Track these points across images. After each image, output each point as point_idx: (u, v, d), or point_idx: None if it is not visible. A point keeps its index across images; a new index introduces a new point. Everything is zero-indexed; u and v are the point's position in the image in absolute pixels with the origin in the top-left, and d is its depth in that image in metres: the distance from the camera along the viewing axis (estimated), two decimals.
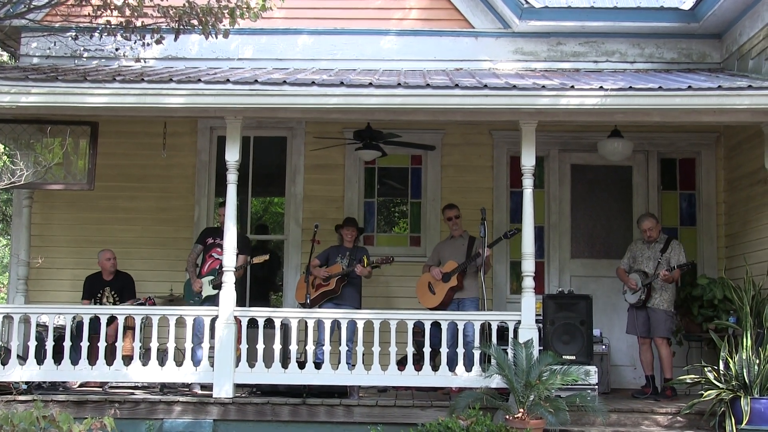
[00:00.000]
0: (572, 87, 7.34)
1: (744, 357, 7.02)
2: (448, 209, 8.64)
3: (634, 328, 8.26)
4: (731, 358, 7.08)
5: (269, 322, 7.65)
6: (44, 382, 7.76)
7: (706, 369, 7.23)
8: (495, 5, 9.34)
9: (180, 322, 7.73)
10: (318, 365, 7.59)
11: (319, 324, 7.80)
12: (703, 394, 7.05)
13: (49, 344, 7.56)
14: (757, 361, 6.97)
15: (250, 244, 8.73)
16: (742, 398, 6.81)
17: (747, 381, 6.91)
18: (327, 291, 8.31)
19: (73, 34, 8.89)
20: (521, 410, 6.78)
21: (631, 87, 7.33)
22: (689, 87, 7.31)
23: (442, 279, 8.29)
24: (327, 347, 7.62)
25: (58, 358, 7.54)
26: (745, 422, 6.74)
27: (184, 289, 8.51)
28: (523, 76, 8.54)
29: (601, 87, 7.31)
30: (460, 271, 8.22)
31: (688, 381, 7.43)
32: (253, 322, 7.65)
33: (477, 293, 8.30)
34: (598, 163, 9.39)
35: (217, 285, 8.21)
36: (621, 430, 7.05)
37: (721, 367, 7.11)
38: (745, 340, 7.13)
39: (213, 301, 8.14)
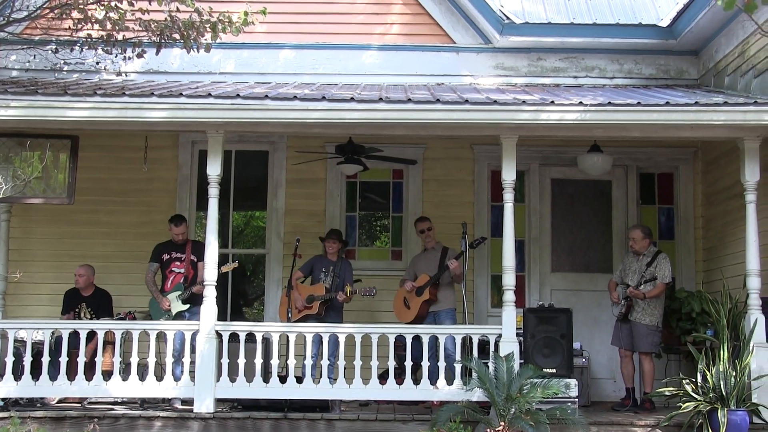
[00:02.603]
0: (552, 102, 7.42)
1: (721, 369, 7.08)
2: (420, 222, 8.69)
3: (618, 341, 8.31)
4: (709, 371, 7.14)
5: (250, 337, 7.63)
6: (22, 399, 7.66)
7: (684, 381, 7.28)
8: (476, 21, 9.42)
9: (160, 337, 7.69)
10: (300, 379, 7.58)
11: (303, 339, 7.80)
12: (681, 406, 7.10)
13: (27, 360, 7.48)
14: (734, 374, 7.04)
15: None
16: (719, 410, 6.87)
17: (724, 393, 6.98)
18: (309, 315, 8.27)
19: (54, 47, 8.86)
20: (502, 423, 6.80)
21: (610, 102, 7.42)
22: (667, 103, 7.41)
23: (416, 293, 8.33)
24: (309, 361, 7.61)
25: (36, 373, 7.47)
26: None
27: (149, 307, 8.45)
28: (503, 91, 8.62)
29: (580, 102, 7.40)
30: (432, 283, 8.24)
31: (667, 393, 7.47)
32: (234, 336, 7.62)
33: (452, 304, 8.33)
34: (578, 178, 9.47)
35: (186, 300, 8.19)
36: None
37: (699, 379, 7.17)
38: (722, 352, 7.20)
39: (185, 317, 8.13)
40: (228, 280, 9.42)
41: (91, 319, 8.40)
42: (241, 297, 10.29)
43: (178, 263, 8.38)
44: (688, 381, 7.25)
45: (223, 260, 8.22)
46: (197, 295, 7.99)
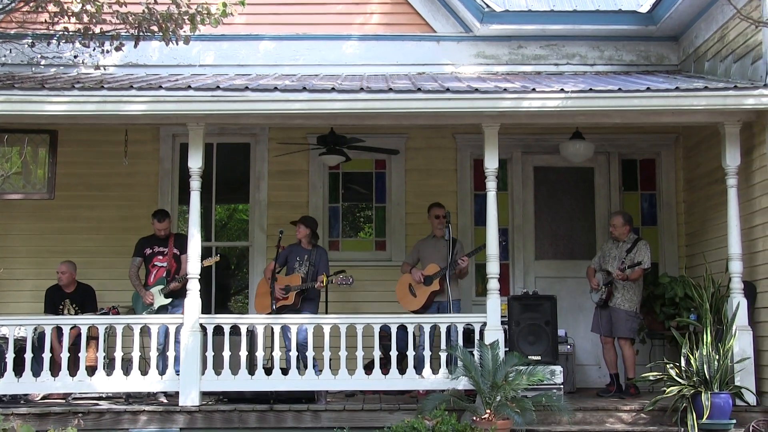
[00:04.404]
0: (534, 89, 7.43)
1: (704, 353, 7.13)
2: (436, 207, 8.53)
3: (598, 328, 8.35)
4: (692, 355, 7.19)
5: (235, 329, 7.60)
6: (5, 396, 7.61)
7: (668, 366, 7.33)
8: (456, 9, 9.40)
9: (144, 331, 7.65)
10: (285, 371, 7.56)
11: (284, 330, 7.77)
12: (665, 390, 7.14)
13: (10, 356, 7.43)
14: (717, 357, 7.09)
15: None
16: (702, 393, 6.93)
17: (707, 376, 7.03)
18: (286, 306, 8.21)
19: (30, 41, 8.75)
20: (488, 411, 6.82)
21: (591, 89, 7.44)
22: (648, 88, 7.43)
23: (424, 282, 8.29)
24: (293, 353, 7.58)
25: (19, 370, 7.41)
26: (705, 416, 6.86)
27: (132, 302, 8.41)
28: (485, 79, 8.61)
29: (562, 89, 7.41)
30: (442, 275, 8.20)
31: (651, 378, 7.52)
32: (218, 329, 7.59)
33: (458, 295, 8.32)
34: (560, 165, 9.48)
35: (169, 294, 8.15)
36: (587, 428, 7.12)
37: (683, 363, 7.22)
38: (705, 336, 7.24)
39: (167, 310, 8.09)
40: (212, 274, 9.38)
41: (75, 315, 8.34)
42: (225, 290, 10.25)
43: (160, 257, 8.34)
44: (672, 365, 7.30)
45: (206, 254, 8.18)
46: (179, 290, 7.96)
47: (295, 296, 8.19)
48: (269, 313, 8.09)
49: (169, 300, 8.14)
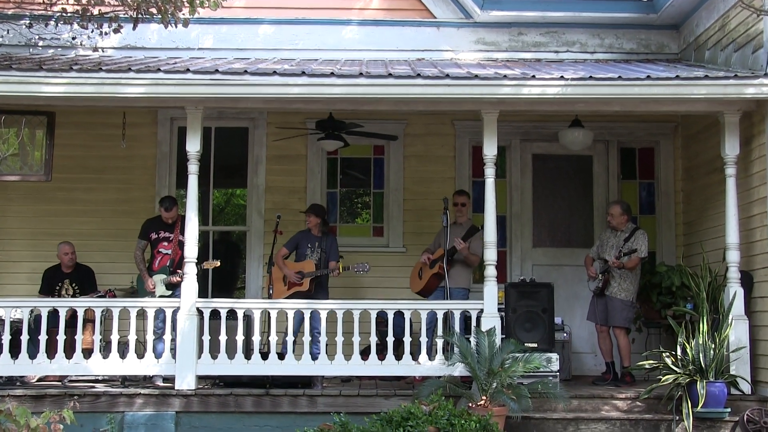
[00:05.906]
0: (533, 76, 7.40)
1: (700, 342, 7.14)
2: (457, 195, 8.52)
3: (594, 316, 8.35)
4: (688, 344, 7.20)
5: (232, 314, 7.60)
6: (1, 377, 7.62)
7: (664, 354, 7.34)
8: None
9: (141, 315, 7.64)
10: (281, 356, 7.56)
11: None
12: (661, 378, 7.16)
13: (6, 338, 7.42)
14: (713, 346, 7.11)
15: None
16: (698, 382, 6.94)
17: (703, 365, 7.04)
18: (300, 292, 8.20)
19: (28, 21, 8.71)
20: (484, 397, 6.83)
21: (591, 76, 7.40)
22: (648, 77, 7.40)
23: (429, 265, 8.31)
24: (290, 338, 7.58)
25: (15, 352, 7.41)
26: (700, 405, 6.88)
27: (137, 284, 8.39)
28: (484, 65, 8.58)
29: (561, 76, 7.38)
30: (444, 259, 8.13)
31: (647, 366, 7.53)
32: (215, 314, 7.59)
33: (464, 284, 8.30)
34: (559, 153, 9.47)
35: (171, 285, 8.10)
36: (582, 416, 7.13)
37: (679, 352, 7.22)
38: (701, 325, 7.25)
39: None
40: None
41: (74, 295, 8.33)
42: (228, 275, 10.22)
43: (165, 243, 8.28)
44: (667, 354, 7.31)
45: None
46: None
47: (309, 282, 8.19)
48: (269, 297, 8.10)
49: (170, 293, 8.08)
